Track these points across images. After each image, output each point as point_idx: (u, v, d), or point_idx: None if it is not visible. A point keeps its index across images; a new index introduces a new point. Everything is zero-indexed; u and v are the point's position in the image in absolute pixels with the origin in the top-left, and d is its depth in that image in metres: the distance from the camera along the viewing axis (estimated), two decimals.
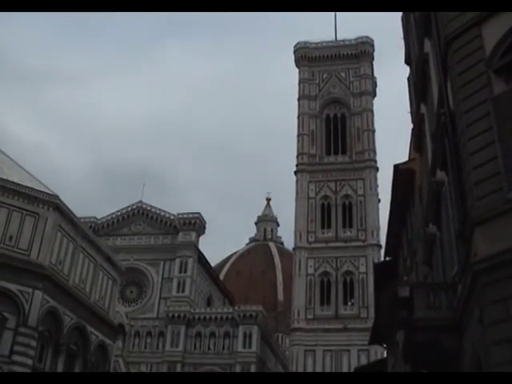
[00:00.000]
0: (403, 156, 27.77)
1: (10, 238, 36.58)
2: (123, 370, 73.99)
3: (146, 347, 78.37)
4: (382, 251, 43.19)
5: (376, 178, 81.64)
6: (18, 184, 37.58)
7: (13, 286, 35.42)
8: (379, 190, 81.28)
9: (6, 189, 37.00)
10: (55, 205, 38.45)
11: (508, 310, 11.03)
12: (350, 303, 75.00)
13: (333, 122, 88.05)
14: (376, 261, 63.38)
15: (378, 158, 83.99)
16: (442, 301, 14.60)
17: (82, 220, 50.93)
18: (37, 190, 38.19)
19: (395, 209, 27.40)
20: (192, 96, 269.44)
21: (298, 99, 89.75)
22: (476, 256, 11.76)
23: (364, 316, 71.56)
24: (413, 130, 23.36)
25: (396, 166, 23.76)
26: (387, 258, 34.84)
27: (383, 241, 36.68)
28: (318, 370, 70.85)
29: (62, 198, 38.95)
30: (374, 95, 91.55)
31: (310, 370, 70.97)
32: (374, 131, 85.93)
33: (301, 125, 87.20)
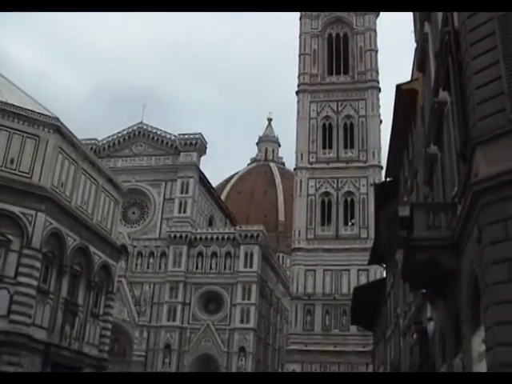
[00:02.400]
0: (406, 77, 27.42)
1: (11, 160, 36.53)
2: (127, 290, 75.36)
3: (148, 267, 79.50)
4: (383, 172, 43.21)
5: (378, 99, 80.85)
6: (18, 107, 37.29)
7: (15, 209, 35.61)
8: (381, 111, 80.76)
9: (6, 111, 36.74)
10: (56, 127, 38.25)
11: (507, 230, 11.10)
12: (350, 224, 75.49)
13: (335, 41, 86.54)
14: (377, 181, 63.35)
15: (381, 78, 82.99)
16: (441, 221, 14.69)
17: (83, 142, 50.76)
18: (37, 112, 37.93)
19: (397, 129, 27.28)
20: (193, 15, 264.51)
21: (300, 18, 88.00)
22: (476, 176, 11.76)
23: (364, 236, 72.14)
24: (416, 49, 23.00)
25: (398, 86, 23.52)
26: (388, 179, 34.89)
27: (384, 162, 36.64)
28: (319, 289, 71.94)
29: (62, 120, 38.74)
30: (377, 14, 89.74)
31: (310, 289, 72.03)
32: (376, 51, 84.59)
33: (302, 44, 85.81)
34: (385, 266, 43.25)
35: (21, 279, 34.86)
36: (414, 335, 20.87)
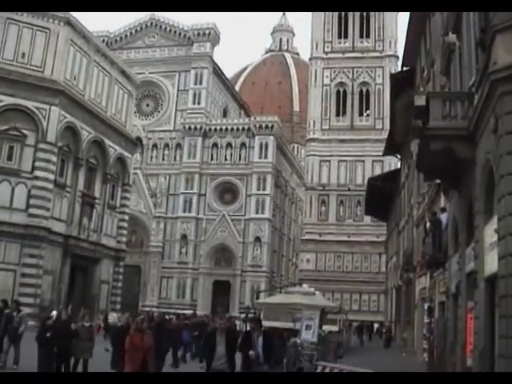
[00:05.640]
0: None
1: (23, 55, 36.24)
2: (142, 182, 76.08)
3: (163, 159, 79.78)
4: (399, 63, 42.48)
5: None
6: None
7: (29, 103, 35.64)
8: None
9: None
10: (66, 19, 37.68)
11: None
12: (365, 114, 74.87)
13: None
14: (393, 72, 62.24)
15: None
16: (457, 110, 14.50)
17: (95, 34, 49.92)
18: None
19: (414, 17, 26.64)
20: None
21: None
22: (495, 64, 11.49)
23: (379, 127, 71.61)
24: None
25: None
26: (404, 69, 34.41)
27: (401, 52, 35.93)
28: (333, 180, 72.28)
29: (73, 13, 38.12)
30: None
31: (324, 180, 72.40)
32: None
33: None
34: (399, 156, 43.31)
35: (37, 173, 35.33)
36: (428, 225, 21.04)
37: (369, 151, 70.16)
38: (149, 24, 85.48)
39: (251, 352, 10.92)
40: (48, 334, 13.12)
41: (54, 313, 33.01)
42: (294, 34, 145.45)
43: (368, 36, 76.40)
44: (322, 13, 76.63)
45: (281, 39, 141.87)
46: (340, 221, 71.73)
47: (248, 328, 20.86)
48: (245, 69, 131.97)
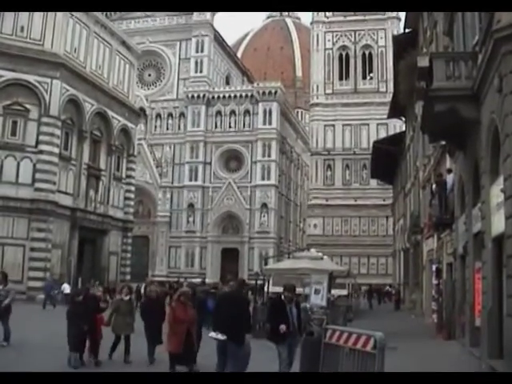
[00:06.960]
0: None
1: (22, 28, 36.02)
2: (147, 152, 76.08)
3: (167, 129, 79.56)
4: (402, 24, 42.11)
5: None
6: None
7: (31, 78, 35.54)
8: None
9: None
10: None
11: None
12: (368, 77, 74.51)
13: None
14: (395, 33, 61.69)
15: None
16: (461, 71, 14.39)
17: None
18: None
19: None
20: None
21: None
22: (499, 23, 11.37)
23: (383, 90, 71.30)
24: None
25: None
26: (407, 30, 34.11)
27: (403, 13, 35.58)
28: (338, 144, 72.24)
29: None
30: None
31: (329, 144, 72.34)
32: None
33: None
34: (404, 119, 43.13)
35: (42, 147, 35.38)
36: (434, 187, 21.00)
37: (373, 114, 69.90)
38: None
39: (282, 326, 10.14)
40: (79, 322, 12.68)
41: (66, 286, 33.20)
42: None
43: None
44: None
45: None
46: (346, 185, 71.81)
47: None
48: (246, 35, 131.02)
